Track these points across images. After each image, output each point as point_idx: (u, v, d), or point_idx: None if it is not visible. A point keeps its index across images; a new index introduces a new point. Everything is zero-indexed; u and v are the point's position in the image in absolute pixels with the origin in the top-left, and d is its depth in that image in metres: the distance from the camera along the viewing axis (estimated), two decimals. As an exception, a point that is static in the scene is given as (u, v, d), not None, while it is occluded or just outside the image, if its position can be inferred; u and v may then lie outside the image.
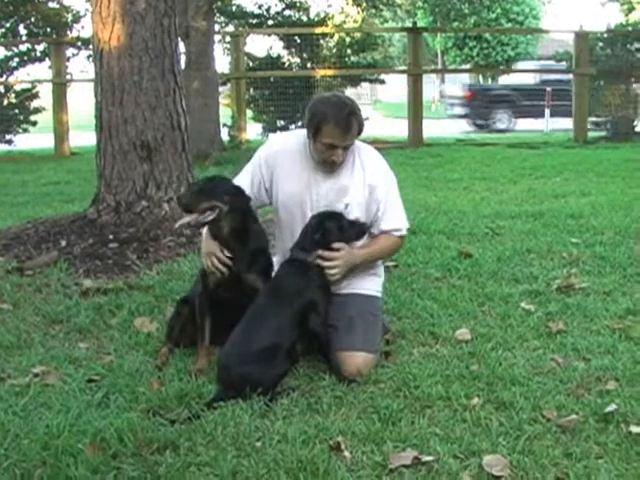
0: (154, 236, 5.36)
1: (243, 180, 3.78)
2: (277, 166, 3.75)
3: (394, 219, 3.74)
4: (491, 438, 2.84)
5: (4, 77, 14.71)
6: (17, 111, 14.74)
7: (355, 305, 3.66)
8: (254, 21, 15.22)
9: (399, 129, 14.67)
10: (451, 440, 2.83)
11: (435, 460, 2.69)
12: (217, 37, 13.83)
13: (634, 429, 2.86)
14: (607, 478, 2.59)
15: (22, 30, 15.17)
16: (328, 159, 3.59)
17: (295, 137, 3.82)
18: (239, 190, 3.60)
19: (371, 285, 3.80)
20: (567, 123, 15.12)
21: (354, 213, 3.64)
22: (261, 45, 37.32)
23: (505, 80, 26.78)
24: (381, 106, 35.68)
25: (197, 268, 4.11)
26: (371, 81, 16.87)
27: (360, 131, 3.62)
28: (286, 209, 3.76)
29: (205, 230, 3.70)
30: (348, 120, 3.52)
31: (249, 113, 14.69)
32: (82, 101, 15.15)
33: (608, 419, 2.96)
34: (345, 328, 3.55)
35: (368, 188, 3.67)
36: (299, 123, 14.43)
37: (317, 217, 3.59)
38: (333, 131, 3.50)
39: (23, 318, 4.26)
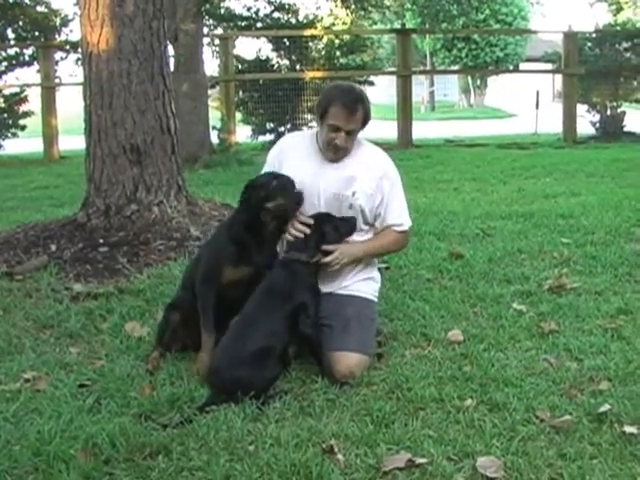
0: (144, 240, 5.34)
1: None
2: (285, 161, 3.80)
3: (397, 214, 3.78)
4: (485, 439, 2.83)
5: (-8, 81, 14.68)
6: (6, 115, 14.71)
7: (353, 306, 3.66)
8: (243, 23, 15.21)
9: (388, 131, 14.67)
10: (445, 442, 2.82)
11: (429, 462, 2.68)
12: (206, 40, 13.83)
13: (628, 429, 2.86)
14: (601, 478, 2.59)
15: (10, 34, 15.14)
16: (332, 141, 3.64)
17: (302, 134, 3.88)
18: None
19: (368, 289, 3.81)
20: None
21: (361, 201, 3.67)
22: (250, 47, 37.42)
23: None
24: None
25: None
26: (360, 83, 16.85)
27: (366, 121, 3.69)
28: None
29: None
30: (354, 104, 3.62)
31: (238, 116, 14.68)
32: (71, 105, 15.14)
33: (602, 419, 2.96)
34: (341, 328, 3.54)
35: (375, 179, 3.71)
36: (288, 125, 14.41)
37: (313, 222, 3.59)
38: (338, 112, 3.60)
39: (13, 323, 4.24)
